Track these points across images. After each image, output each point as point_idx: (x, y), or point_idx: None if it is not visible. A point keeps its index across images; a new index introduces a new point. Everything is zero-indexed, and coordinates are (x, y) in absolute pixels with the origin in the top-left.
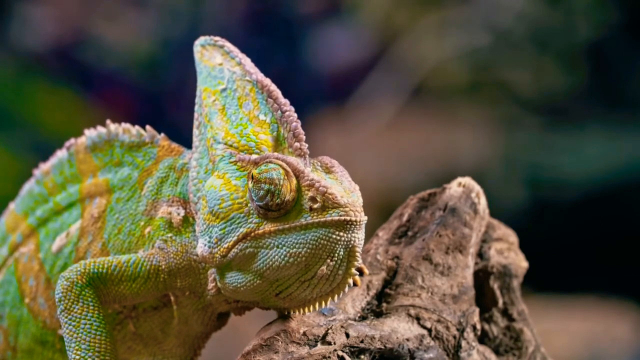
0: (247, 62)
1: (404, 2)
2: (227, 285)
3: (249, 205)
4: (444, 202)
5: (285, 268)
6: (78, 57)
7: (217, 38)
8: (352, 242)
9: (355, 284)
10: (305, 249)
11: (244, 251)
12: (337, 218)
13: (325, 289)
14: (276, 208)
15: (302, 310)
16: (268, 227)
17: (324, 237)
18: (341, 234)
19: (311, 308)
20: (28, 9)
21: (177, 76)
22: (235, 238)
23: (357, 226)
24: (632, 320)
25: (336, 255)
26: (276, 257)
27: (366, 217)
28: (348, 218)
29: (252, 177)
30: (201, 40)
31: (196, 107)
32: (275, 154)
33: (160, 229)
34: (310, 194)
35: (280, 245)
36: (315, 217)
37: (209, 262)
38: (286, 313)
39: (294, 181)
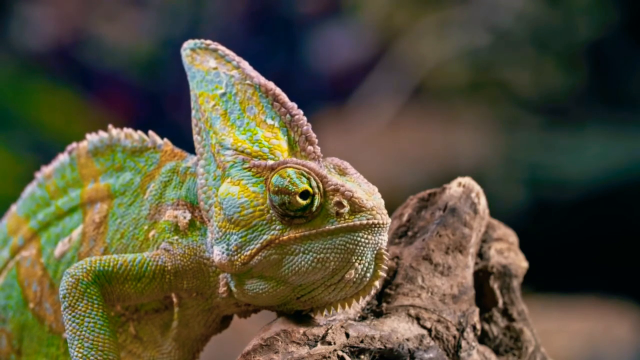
0: (246, 65)
1: (404, 2)
2: (246, 292)
3: (271, 211)
4: (444, 202)
5: (312, 273)
6: (78, 57)
7: (208, 41)
8: (379, 244)
9: None
10: (333, 254)
11: (268, 258)
12: (365, 222)
13: (350, 292)
14: (309, 215)
15: (323, 312)
16: (293, 233)
17: (352, 242)
18: (369, 237)
19: (332, 310)
20: (28, 9)
21: (177, 76)
22: (259, 245)
23: (384, 228)
24: (632, 320)
25: (364, 259)
26: (303, 263)
27: (390, 220)
28: (375, 221)
29: (281, 186)
30: (190, 43)
31: (193, 113)
32: (294, 159)
33: (166, 231)
34: (335, 198)
35: (306, 251)
36: (342, 221)
37: (228, 270)
38: (303, 314)
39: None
